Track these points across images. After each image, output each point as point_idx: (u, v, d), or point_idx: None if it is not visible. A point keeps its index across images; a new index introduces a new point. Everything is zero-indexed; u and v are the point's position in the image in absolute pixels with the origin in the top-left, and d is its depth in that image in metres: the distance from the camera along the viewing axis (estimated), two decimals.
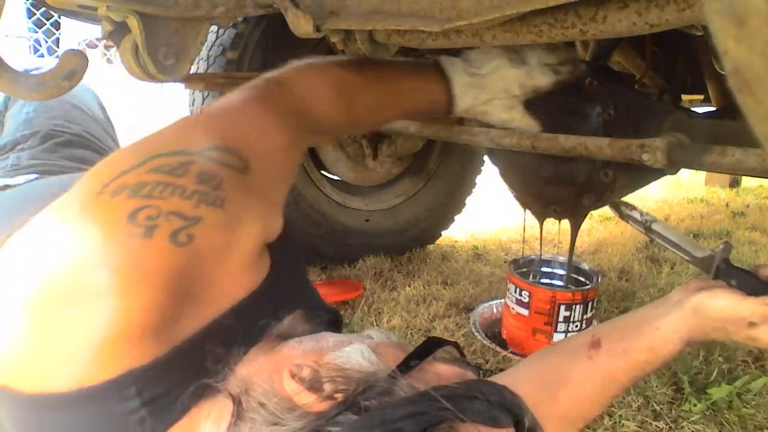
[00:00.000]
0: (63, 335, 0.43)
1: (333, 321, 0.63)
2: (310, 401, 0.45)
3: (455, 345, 0.54)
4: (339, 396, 0.45)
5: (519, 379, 0.57)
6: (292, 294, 0.59)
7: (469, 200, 2.10)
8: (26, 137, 1.02)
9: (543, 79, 0.83)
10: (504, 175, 1.07)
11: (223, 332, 0.49)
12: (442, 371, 0.50)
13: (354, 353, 0.49)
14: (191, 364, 0.46)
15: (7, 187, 0.83)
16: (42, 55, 5.75)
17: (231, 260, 0.49)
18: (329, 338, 0.54)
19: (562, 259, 1.47)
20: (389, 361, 0.49)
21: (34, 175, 0.89)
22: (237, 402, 0.46)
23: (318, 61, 0.73)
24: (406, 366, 0.48)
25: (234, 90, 0.64)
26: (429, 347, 0.51)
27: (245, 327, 0.51)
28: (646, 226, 0.81)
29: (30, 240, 0.50)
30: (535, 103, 0.86)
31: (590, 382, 0.71)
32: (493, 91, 0.82)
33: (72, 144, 1.05)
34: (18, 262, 0.50)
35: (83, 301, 0.42)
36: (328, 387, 0.46)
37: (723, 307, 0.64)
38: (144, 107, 5.26)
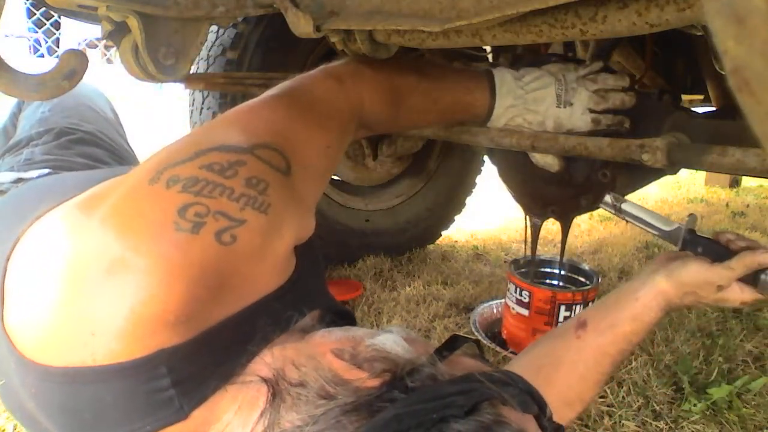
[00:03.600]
0: (97, 308, 0.44)
1: (348, 324, 0.64)
2: (362, 377, 0.47)
3: (476, 342, 0.56)
4: (387, 375, 0.46)
5: (515, 370, 0.60)
6: (314, 293, 0.61)
7: (469, 200, 2.10)
8: (41, 134, 1.04)
9: (580, 126, 0.82)
10: (502, 175, 1.07)
11: (250, 321, 0.51)
12: (467, 364, 0.52)
13: (388, 341, 0.51)
14: (219, 348, 0.48)
15: (20, 180, 0.84)
16: (42, 55, 5.76)
17: (264, 263, 0.51)
18: (357, 330, 0.55)
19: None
20: (420, 352, 0.51)
21: (47, 170, 0.90)
22: (273, 383, 0.48)
23: (375, 60, 0.74)
24: (439, 356, 0.50)
25: (290, 78, 0.67)
26: (455, 342, 0.53)
27: (271, 318, 0.52)
28: (617, 207, 0.84)
29: (70, 218, 0.52)
30: None
31: (582, 360, 0.75)
32: (528, 121, 0.82)
33: (85, 142, 1.06)
34: (56, 237, 0.51)
35: (122, 278, 0.44)
36: (375, 366, 0.47)
37: (693, 274, 0.72)
38: (144, 107, 5.27)
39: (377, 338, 0.51)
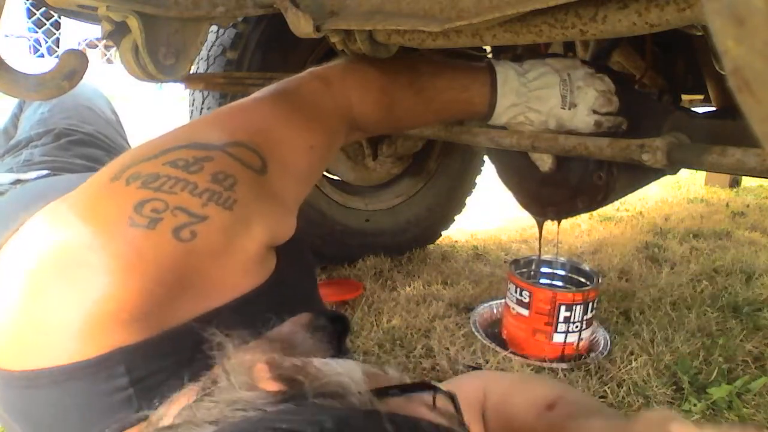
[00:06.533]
0: (53, 308, 0.43)
1: (340, 330, 0.60)
2: (265, 382, 0.41)
3: (452, 397, 0.44)
4: (292, 387, 0.41)
5: None
6: (297, 297, 0.58)
7: (469, 200, 2.10)
8: (40, 135, 1.04)
9: (582, 127, 0.81)
10: (500, 175, 1.07)
11: (219, 323, 0.47)
12: (421, 414, 0.41)
13: (335, 364, 0.44)
14: (181, 349, 0.46)
15: (18, 182, 0.84)
16: (42, 55, 5.76)
17: (230, 261, 0.49)
18: (320, 352, 0.50)
19: (563, 259, 1.48)
20: (368, 381, 0.43)
21: (45, 171, 0.90)
22: (212, 382, 0.44)
23: (366, 60, 0.72)
24: (382, 391, 0.42)
25: (275, 82, 0.65)
26: (419, 386, 0.44)
27: (241, 323, 0.49)
28: None
29: (41, 221, 0.51)
30: None
31: None
32: (530, 119, 0.81)
33: (84, 143, 1.06)
34: (24, 240, 0.50)
35: (77, 277, 0.43)
36: (287, 375, 0.42)
37: None
38: (144, 107, 5.27)
39: (329, 360, 0.44)
